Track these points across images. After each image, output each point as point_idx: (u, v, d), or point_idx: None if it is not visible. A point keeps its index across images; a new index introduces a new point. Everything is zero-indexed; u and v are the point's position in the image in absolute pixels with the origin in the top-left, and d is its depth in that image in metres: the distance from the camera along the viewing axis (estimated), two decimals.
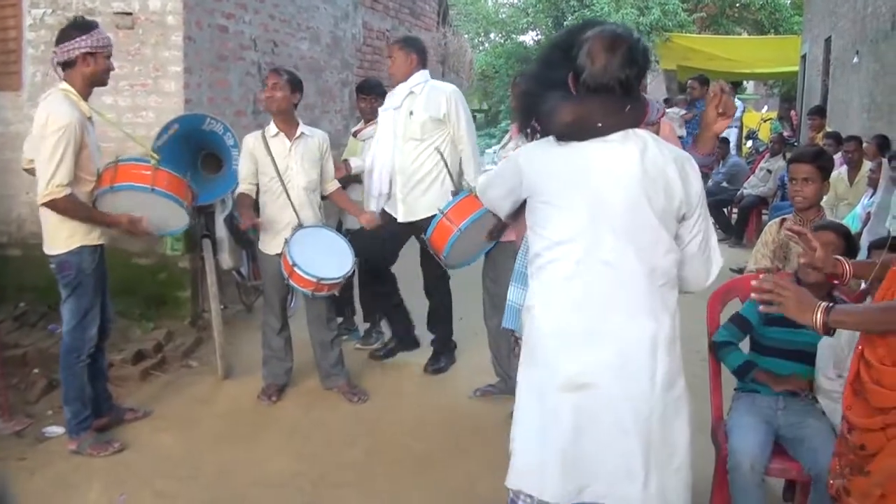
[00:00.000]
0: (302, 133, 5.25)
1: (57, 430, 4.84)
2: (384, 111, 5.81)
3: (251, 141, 5.26)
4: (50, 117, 4.24)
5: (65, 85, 4.39)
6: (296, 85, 5.24)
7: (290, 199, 5.19)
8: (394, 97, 5.71)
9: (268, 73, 5.32)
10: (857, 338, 3.69)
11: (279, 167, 5.18)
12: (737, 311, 3.80)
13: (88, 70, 4.38)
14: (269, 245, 5.25)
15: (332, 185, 5.52)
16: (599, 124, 2.55)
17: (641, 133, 2.59)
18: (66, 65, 4.40)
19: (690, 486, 2.69)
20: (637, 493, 2.54)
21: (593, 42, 2.57)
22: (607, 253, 2.55)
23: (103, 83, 4.56)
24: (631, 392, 2.53)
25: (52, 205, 4.27)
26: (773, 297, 2.48)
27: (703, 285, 2.77)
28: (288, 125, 5.22)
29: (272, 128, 5.23)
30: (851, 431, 2.53)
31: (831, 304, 2.47)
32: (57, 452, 4.63)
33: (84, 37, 4.35)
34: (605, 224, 2.55)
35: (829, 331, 2.47)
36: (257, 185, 5.26)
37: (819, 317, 2.46)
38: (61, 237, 4.39)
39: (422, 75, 5.63)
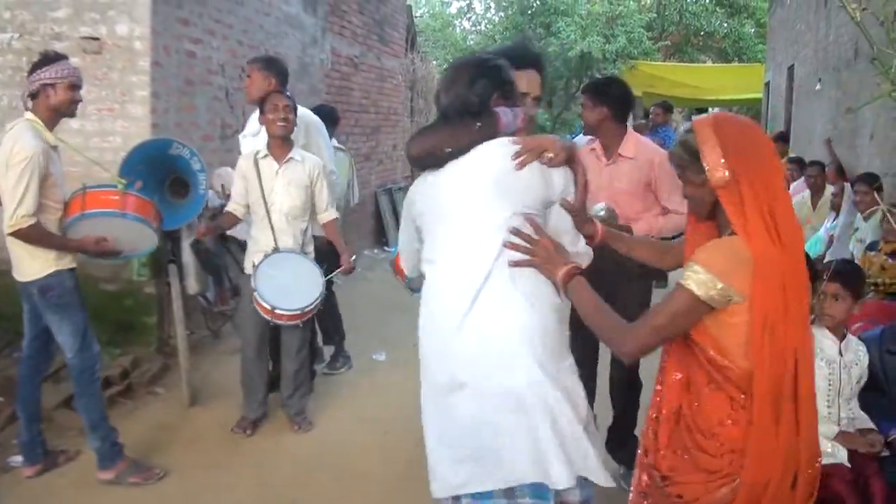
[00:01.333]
0: (291, 158, 5.22)
1: (22, 459, 4.77)
2: (243, 137, 5.80)
3: (243, 162, 5.28)
4: (14, 148, 4.24)
5: (30, 115, 4.40)
6: (295, 108, 5.28)
7: (270, 223, 5.18)
8: (252, 122, 5.67)
9: (271, 94, 5.25)
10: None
11: (265, 189, 5.17)
12: None
13: (50, 101, 4.38)
14: (248, 266, 5.24)
15: (327, 216, 5.43)
16: (448, 150, 2.66)
17: (491, 144, 2.66)
18: (32, 96, 4.41)
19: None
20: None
21: (443, 74, 2.82)
22: (464, 264, 2.63)
23: (70, 114, 4.54)
24: (508, 383, 2.55)
25: (19, 234, 4.27)
26: (527, 250, 2.57)
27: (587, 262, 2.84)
28: (282, 149, 5.21)
29: (263, 150, 5.22)
30: (665, 480, 2.50)
31: (579, 272, 2.56)
32: (23, 482, 4.57)
33: (46, 68, 4.36)
34: (460, 239, 2.65)
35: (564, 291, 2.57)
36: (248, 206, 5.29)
37: (561, 273, 2.54)
38: (35, 264, 4.38)
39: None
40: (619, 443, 4.71)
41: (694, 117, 2.94)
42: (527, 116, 2.81)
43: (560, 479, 2.51)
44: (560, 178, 2.69)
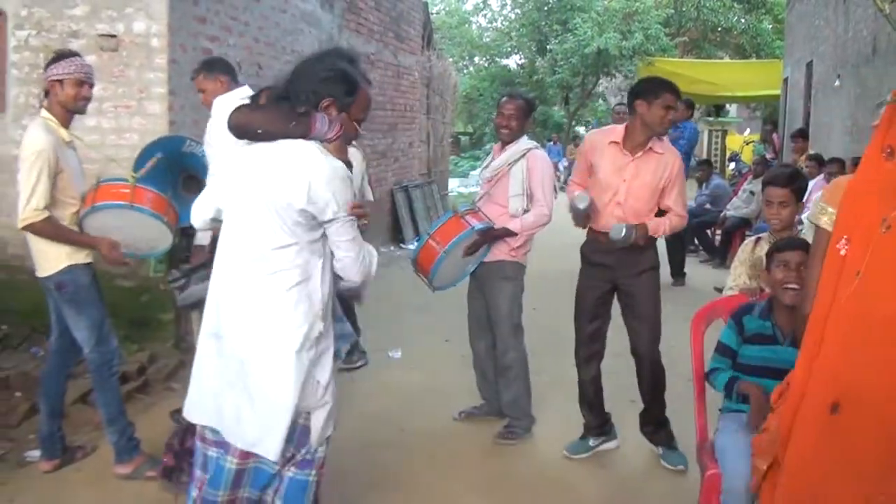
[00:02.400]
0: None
1: (39, 454, 4.79)
2: (209, 147, 5.57)
3: None
4: (26, 143, 4.29)
5: (44, 112, 4.44)
6: None
7: None
8: (217, 131, 5.33)
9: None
10: None
11: None
12: (718, 340, 3.80)
13: (58, 97, 4.40)
14: None
15: None
16: (259, 131, 2.93)
17: (298, 143, 2.89)
18: (46, 93, 4.46)
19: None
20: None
21: (307, 58, 3.08)
22: (232, 239, 2.98)
23: (80, 111, 4.54)
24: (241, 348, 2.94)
25: (31, 228, 4.30)
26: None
27: (354, 279, 3.08)
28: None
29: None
30: None
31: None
32: (39, 476, 4.58)
33: (55, 65, 4.39)
34: (238, 213, 2.96)
35: None
36: None
37: None
38: (49, 258, 4.40)
39: (245, 90, 5.19)
40: (656, 426, 4.90)
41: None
42: (340, 131, 2.94)
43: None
44: (326, 205, 2.87)
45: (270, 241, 2.88)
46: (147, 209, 4.56)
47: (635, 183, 4.65)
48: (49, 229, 4.31)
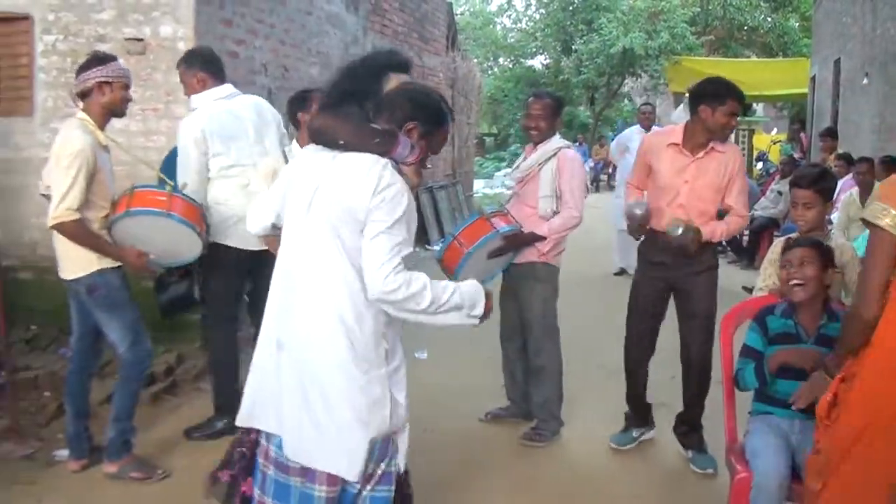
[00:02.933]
0: None
1: (67, 453, 4.83)
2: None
3: None
4: (63, 143, 4.29)
5: (82, 114, 4.44)
6: None
7: None
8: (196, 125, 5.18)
9: (313, 92, 5.16)
10: None
11: None
12: (743, 343, 3.78)
13: (104, 99, 4.42)
14: None
15: None
16: (341, 142, 2.81)
17: (375, 161, 2.77)
18: (83, 95, 4.45)
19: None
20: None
21: (407, 85, 3.00)
22: (296, 245, 2.84)
23: (121, 114, 4.57)
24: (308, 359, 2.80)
25: (61, 227, 4.28)
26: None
27: (372, 293, 2.77)
28: None
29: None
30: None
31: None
32: (67, 476, 4.62)
33: (100, 67, 4.41)
34: (303, 220, 2.83)
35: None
36: None
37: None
38: (78, 261, 4.38)
39: (223, 90, 5.12)
40: (691, 427, 4.88)
41: None
42: (419, 156, 2.87)
43: None
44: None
45: (337, 250, 2.77)
46: (184, 219, 4.56)
47: (698, 183, 4.62)
48: (78, 232, 4.30)
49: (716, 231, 4.62)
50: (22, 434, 5.00)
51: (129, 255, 4.44)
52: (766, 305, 3.82)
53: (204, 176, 4.94)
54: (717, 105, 4.51)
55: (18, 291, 6.49)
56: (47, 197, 4.52)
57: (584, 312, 7.75)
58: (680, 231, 4.43)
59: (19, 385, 5.36)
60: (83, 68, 4.46)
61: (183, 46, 6.53)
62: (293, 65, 8.31)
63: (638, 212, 4.66)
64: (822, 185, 4.11)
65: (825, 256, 3.66)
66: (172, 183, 4.72)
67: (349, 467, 2.73)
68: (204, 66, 5.11)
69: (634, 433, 5.09)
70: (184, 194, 4.65)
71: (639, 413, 5.09)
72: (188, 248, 4.70)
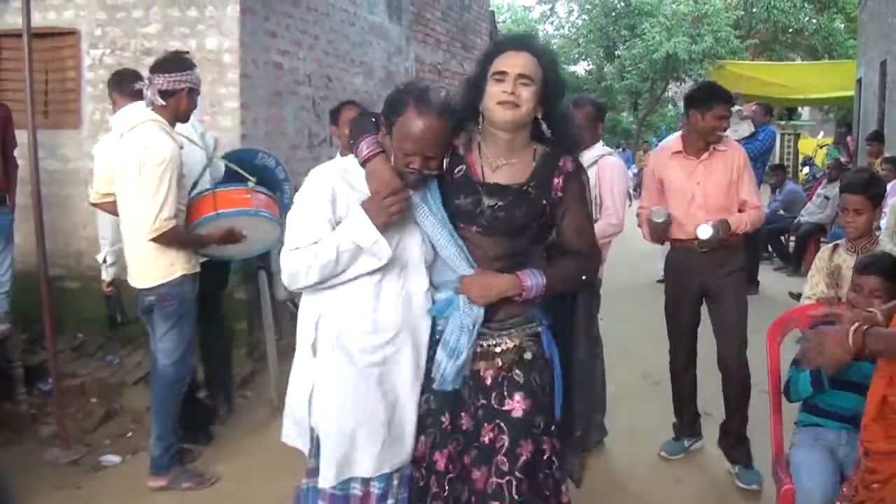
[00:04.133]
0: None
1: (114, 458, 4.91)
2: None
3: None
4: (149, 150, 4.20)
5: (155, 115, 4.36)
6: None
7: None
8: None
9: (346, 105, 5.36)
10: None
11: None
12: (795, 357, 3.68)
13: (184, 105, 4.43)
14: None
15: None
16: (351, 141, 2.90)
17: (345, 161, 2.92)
18: (166, 94, 4.37)
19: None
20: None
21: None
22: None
23: (187, 120, 4.60)
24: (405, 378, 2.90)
25: (161, 238, 4.25)
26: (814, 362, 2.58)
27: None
28: None
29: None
30: (868, 455, 2.58)
31: (866, 327, 2.44)
32: (114, 482, 4.69)
33: (190, 72, 4.43)
34: None
35: (863, 355, 2.45)
36: None
37: (852, 338, 2.43)
38: (161, 267, 4.35)
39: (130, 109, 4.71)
40: (736, 441, 4.81)
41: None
42: (369, 154, 2.79)
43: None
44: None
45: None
46: (270, 214, 4.65)
47: (709, 182, 4.70)
48: (177, 236, 4.30)
49: (740, 221, 4.65)
50: (69, 440, 5.07)
51: (221, 234, 4.52)
52: (821, 319, 3.73)
53: None
54: (706, 110, 4.62)
55: (65, 300, 6.60)
56: (100, 206, 4.54)
57: (627, 321, 7.70)
58: (710, 233, 4.47)
59: (66, 392, 5.44)
60: (172, 67, 4.41)
61: (228, 59, 6.61)
62: (337, 75, 8.36)
63: (657, 220, 4.69)
64: (872, 190, 4.04)
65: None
66: (254, 179, 4.73)
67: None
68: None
69: (686, 443, 5.08)
70: (261, 188, 4.68)
71: (687, 422, 5.06)
72: (271, 236, 4.77)
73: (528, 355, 2.84)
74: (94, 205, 4.74)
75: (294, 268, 2.75)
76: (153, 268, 4.37)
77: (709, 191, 4.69)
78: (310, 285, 2.78)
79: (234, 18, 6.61)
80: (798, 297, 4.84)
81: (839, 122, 22.74)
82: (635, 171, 24.44)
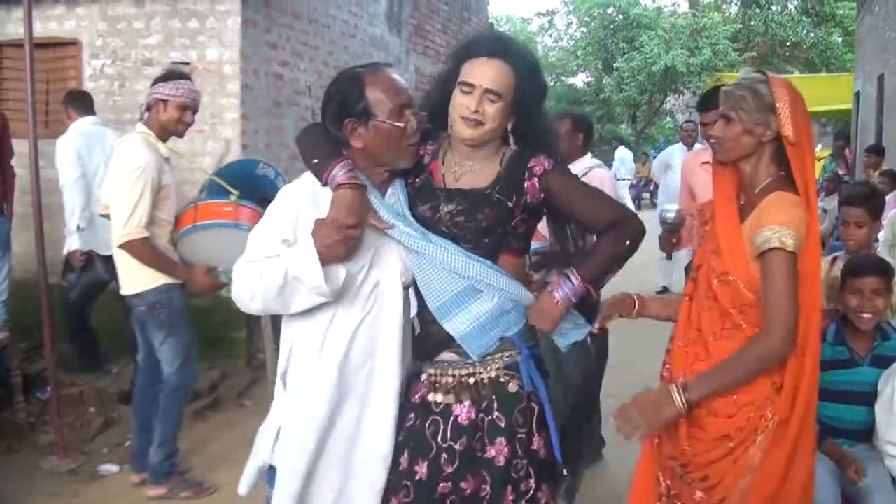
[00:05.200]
0: None
1: (111, 468, 4.91)
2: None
3: None
4: (126, 159, 4.27)
5: (142, 127, 4.44)
6: None
7: None
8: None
9: None
10: None
11: None
12: None
13: (159, 117, 4.43)
14: None
15: None
16: (314, 161, 2.63)
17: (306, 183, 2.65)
18: (149, 108, 4.47)
19: None
20: None
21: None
22: None
23: (178, 134, 4.57)
24: None
25: (129, 246, 4.27)
26: (628, 432, 2.52)
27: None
28: None
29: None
30: (686, 467, 2.57)
31: (683, 384, 2.49)
32: (111, 490, 4.69)
33: (163, 84, 4.43)
34: None
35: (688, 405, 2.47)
36: None
37: (678, 399, 2.46)
38: (143, 276, 4.36)
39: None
40: None
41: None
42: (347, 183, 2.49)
43: None
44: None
45: None
46: (251, 227, 4.58)
47: None
48: (146, 251, 4.28)
49: None
50: (67, 448, 5.07)
51: (196, 276, 4.42)
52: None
53: None
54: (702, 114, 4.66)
55: (64, 308, 6.60)
56: (107, 216, 4.56)
57: (628, 332, 7.70)
58: (672, 215, 4.39)
59: (64, 400, 5.44)
60: (154, 82, 4.48)
61: (229, 70, 6.65)
62: None
63: (669, 216, 4.59)
64: (873, 203, 4.08)
65: (890, 280, 3.57)
66: (237, 192, 4.73)
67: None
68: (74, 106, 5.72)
69: None
70: (248, 202, 4.63)
71: None
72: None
73: (512, 388, 2.58)
74: (103, 216, 4.75)
75: (238, 286, 2.59)
76: (136, 275, 4.39)
77: None
78: (252, 311, 2.62)
79: (236, 30, 6.66)
80: None
81: (837, 135, 22.78)
82: (633, 182, 24.50)
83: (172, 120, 4.44)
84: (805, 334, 2.44)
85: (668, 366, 2.79)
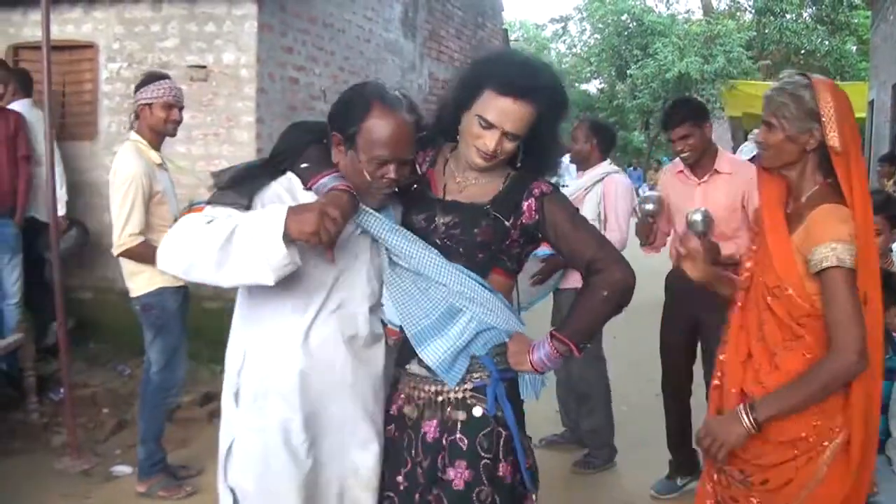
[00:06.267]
0: None
1: (125, 469, 4.92)
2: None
3: None
4: (117, 169, 4.37)
5: (134, 135, 4.52)
6: None
7: None
8: None
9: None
10: None
11: None
12: None
13: (147, 120, 4.48)
14: None
15: None
16: (303, 164, 2.54)
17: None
18: (137, 116, 4.54)
19: None
20: None
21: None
22: None
23: (169, 133, 4.61)
24: None
25: (128, 254, 4.36)
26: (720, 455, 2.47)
27: None
28: None
29: None
30: (744, 472, 2.50)
31: (750, 404, 2.42)
32: (124, 491, 4.70)
33: (144, 89, 4.48)
34: None
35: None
36: None
37: (746, 420, 2.40)
38: (142, 279, 4.44)
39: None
40: None
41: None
42: (314, 181, 2.42)
43: None
44: None
45: None
46: None
47: (708, 206, 4.31)
48: (147, 252, 4.26)
49: (741, 247, 4.15)
50: (80, 449, 5.09)
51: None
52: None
53: None
54: (668, 132, 4.49)
55: (78, 310, 6.64)
56: None
57: (639, 339, 7.68)
58: (700, 217, 4.08)
59: (78, 401, 5.46)
60: (135, 90, 4.55)
61: (245, 73, 6.68)
62: None
63: (648, 206, 4.46)
64: (889, 210, 4.07)
65: None
66: None
67: None
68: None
69: (679, 481, 4.80)
70: None
71: (681, 460, 4.81)
72: None
73: (477, 411, 2.49)
74: None
75: (171, 234, 2.35)
76: (135, 279, 4.47)
77: (714, 215, 4.29)
78: (175, 268, 2.33)
79: (252, 34, 6.68)
80: None
81: None
82: (647, 189, 24.46)
83: (160, 121, 4.49)
84: (871, 349, 2.37)
85: (720, 374, 2.66)
